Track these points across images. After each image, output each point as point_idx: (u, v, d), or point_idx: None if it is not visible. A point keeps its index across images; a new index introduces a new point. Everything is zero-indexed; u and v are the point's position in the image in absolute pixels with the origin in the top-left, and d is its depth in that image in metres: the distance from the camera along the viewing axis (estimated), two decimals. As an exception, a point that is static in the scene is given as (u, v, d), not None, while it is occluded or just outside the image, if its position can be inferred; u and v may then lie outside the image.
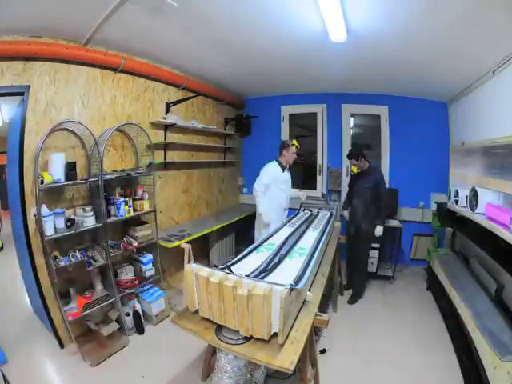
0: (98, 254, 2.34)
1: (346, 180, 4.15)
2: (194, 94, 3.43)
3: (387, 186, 3.93)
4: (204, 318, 1.43)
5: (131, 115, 2.75)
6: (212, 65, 3.06)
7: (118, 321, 2.38)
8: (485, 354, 1.69)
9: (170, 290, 3.01)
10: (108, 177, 2.33)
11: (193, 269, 1.41)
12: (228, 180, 4.49)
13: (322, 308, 2.72)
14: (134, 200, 2.58)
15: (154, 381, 1.99)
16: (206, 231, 3.18)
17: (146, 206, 2.65)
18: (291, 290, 1.26)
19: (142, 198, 2.64)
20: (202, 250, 3.72)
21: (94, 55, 2.32)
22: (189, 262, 2.57)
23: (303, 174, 4.62)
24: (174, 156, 3.30)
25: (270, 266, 1.68)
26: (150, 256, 2.69)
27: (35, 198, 1.96)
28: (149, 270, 2.67)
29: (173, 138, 3.25)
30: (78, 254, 2.16)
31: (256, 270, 1.64)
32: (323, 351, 2.26)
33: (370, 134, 4.23)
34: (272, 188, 3.03)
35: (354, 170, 3.03)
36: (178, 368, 2.10)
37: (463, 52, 2.24)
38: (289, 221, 2.87)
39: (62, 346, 2.24)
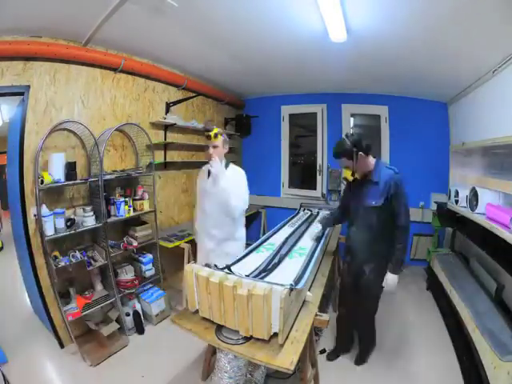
0: (97, 254, 2.34)
1: (346, 180, 4.16)
2: (194, 94, 3.43)
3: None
4: (204, 318, 1.43)
5: (131, 115, 2.75)
6: (212, 65, 3.06)
7: (118, 321, 2.38)
8: (485, 354, 1.69)
9: (170, 290, 3.01)
10: (108, 177, 2.33)
11: (193, 269, 1.41)
12: (228, 180, 4.48)
13: (322, 308, 2.72)
14: (134, 200, 2.58)
15: (154, 381, 1.99)
16: (205, 231, 3.17)
17: (146, 206, 2.66)
18: (291, 289, 1.26)
19: (142, 198, 2.64)
20: (202, 249, 3.72)
21: (94, 55, 2.33)
22: (189, 261, 2.57)
23: (303, 174, 4.63)
24: (173, 156, 3.30)
25: (269, 266, 1.68)
26: (149, 256, 2.69)
27: (35, 198, 1.96)
28: (149, 270, 2.67)
29: (173, 137, 3.25)
30: (77, 254, 2.16)
31: (256, 270, 1.64)
32: (323, 351, 2.26)
33: (369, 133, 4.23)
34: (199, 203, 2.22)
35: (348, 175, 1.85)
36: (178, 368, 2.10)
37: (463, 52, 2.24)
38: (289, 221, 2.87)
39: (62, 346, 2.24)
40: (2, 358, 2.06)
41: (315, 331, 2.26)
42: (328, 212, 3.30)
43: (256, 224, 4.72)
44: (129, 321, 2.47)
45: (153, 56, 2.78)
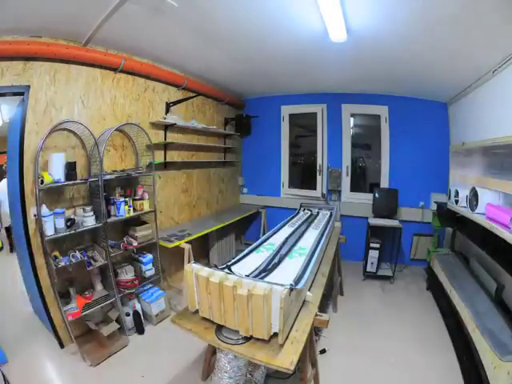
0: (97, 254, 2.34)
1: (346, 180, 4.16)
2: (194, 94, 3.43)
3: (387, 185, 3.94)
4: (204, 318, 1.43)
5: (131, 115, 2.75)
6: (212, 64, 3.06)
7: (118, 321, 2.38)
8: (485, 354, 1.69)
9: (170, 289, 3.01)
10: (108, 177, 2.33)
11: (193, 269, 1.41)
12: (228, 180, 4.49)
13: (322, 308, 2.72)
14: (134, 200, 2.58)
15: (154, 381, 1.99)
16: (205, 231, 3.18)
17: (146, 206, 2.66)
18: (291, 289, 1.26)
19: (142, 198, 2.64)
20: (202, 249, 3.73)
21: (94, 55, 2.32)
22: (189, 261, 2.57)
23: (303, 174, 4.63)
24: (173, 156, 3.30)
25: (270, 266, 1.69)
26: (149, 256, 2.69)
27: (35, 198, 1.96)
28: (149, 270, 2.67)
29: (173, 137, 3.25)
30: (77, 254, 2.16)
31: (256, 270, 1.64)
32: (323, 351, 2.26)
33: (369, 133, 4.23)
34: None
35: None
36: (178, 368, 2.10)
37: (463, 52, 2.24)
38: (289, 221, 2.87)
39: (62, 346, 2.24)
40: (2, 357, 2.06)
41: (315, 331, 2.26)
42: (328, 212, 3.32)
43: (256, 224, 4.73)
44: (129, 321, 2.47)
45: (153, 56, 2.78)
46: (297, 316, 1.44)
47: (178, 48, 2.61)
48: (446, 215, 3.13)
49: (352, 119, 4.16)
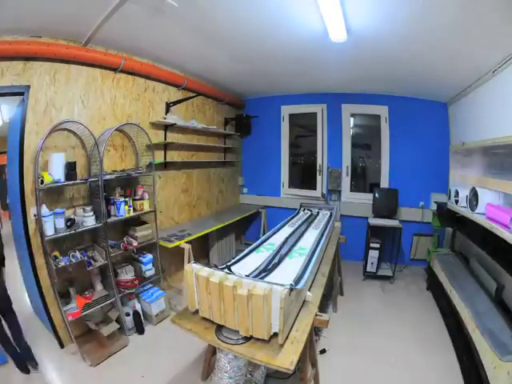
0: (97, 254, 2.34)
1: (346, 180, 4.16)
2: (194, 94, 3.43)
3: (387, 185, 3.94)
4: (204, 318, 1.43)
5: (131, 115, 2.75)
6: (212, 64, 3.06)
7: (118, 321, 2.38)
8: (485, 354, 1.69)
9: (170, 290, 3.01)
10: (108, 177, 2.33)
11: (193, 269, 1.41)
12: (228, 180, 4.49)
13: (322, 308, 2.72)
14: (134, 200, 2.58)
15: (154, 381, 1.99)
16: (205, 231, 3.18)
17: (146, 206, 2.66)
18: (291, 289, 1.26)
19: (142, 198, 2.64)
20: (202, 249, 3.73)
21: (94, 55, 2.32)
22: (189, 261, 2.57)
23: (303, 174, 4.63)
24: (173, 156, 3.30)
25: (270, 266, 1.69)
26: (149, 256, 2.69)
27: (35, 198, 1.96)
28: (149, 270, 2.67)
29: (173, 137, 3.25)
30: (77, 254, 2.16)
31: (256, 269, 1.64)
32: (323, 351, 2.26)
33: (369, 133, 4.23)
34: None
35: None
36: (178, 368, 2.10)
37: (463, 52, 2.24)
38: (289, 221, 2.87)
39: (62, 346, 2.24)
40: (2, 357, 2.06)
41: (315, 331, 2.26)
42: (328, 212, 3.32)
43: (256, 224, 4.73)
44: (129, 321, 2.47)
45: (153, 56, 2.78)
46: (297, 316, 1.44)
47: (178, 48, 2.61)
48: (445, 215, 3.13)
49: (352, 119, 4.16)
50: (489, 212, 2.16)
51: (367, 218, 3.76)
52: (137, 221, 2.69)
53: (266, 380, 1.85)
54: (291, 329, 1.34)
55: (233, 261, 1.75)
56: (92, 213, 2.22)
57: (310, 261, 1.80)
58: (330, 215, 3.20)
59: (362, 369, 2.11)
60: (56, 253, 2.09)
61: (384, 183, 4.00)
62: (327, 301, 2.92)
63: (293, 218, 3.03)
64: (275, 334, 1.26)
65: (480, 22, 1.78)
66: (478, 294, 2.28)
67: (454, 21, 1.81)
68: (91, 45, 2.32)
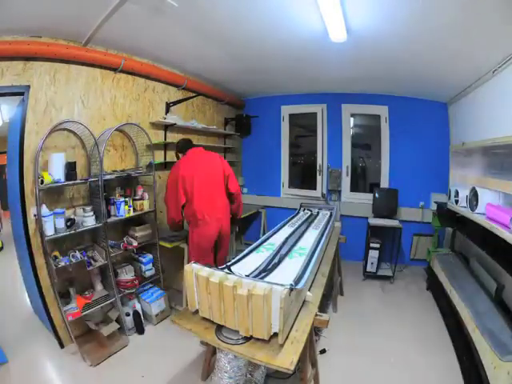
0: (97, 254, 2.34)
1: (346, 180, 4.16)
2: (194, 94, 3.43)
3: (387, 185, 3.94)
4: (204, 318, 1.43)
5: (131, 115, 2.75)
6: (212, 64, 3.06)
7: (118, 321, 2.38)
8: (485, 354, 1.69)
9: (170, 290, 3.00)
10: (108, 177, 2.33)
11: (193, 269, 1.41)
12: (228, 180, 4.48)
13: (322, 308, 2.72)
14: (133, 200, 2.58)
15: (153, 381, 1.99)
16: (205, 231, 3.17)
17: (146, 206, 2.66)
18: (291, 289, 1.26)
19: (141, 198, 2.64)
20: (202, 249, 3.72)
21: (94, 55, 2.32)
22: (189, 262, 2.57)
23: (303, 174, 4.63)
24: (174, 156, 3.29)
25: (269, 266, 1.68)
26: (149, 256, 2.69)
27: (35, 198, 1.96)
28: (149, 270, 2.67)
29: (173, 137, 3.25)
30: (77, 254, 2.16)
31: (256, 269, 1.64)
32: (323, 351, 2.26)
33: (369, 133, 4.23)
34: None
35: None
36: (178, 368, 2.10)
37: (463, 52, 2.24)
38: (289, 221, 2.87)
39: (62, 346, 2.24)
40: (2, 357, 2.06)
41: (315, 331, 2.26)
42: (328, 212, 3.31)
43: (256, 224, 4.72)
44: (129, 321, 2.47)
45: (153, 56, 2.78)
46: (297, 316, 1.44)
47: (178, 48, 2.61)
48: (445, 215, 3.13)
49: (352, 119, 4.15)
50: (489, 212, 2.16)
51: (367, 217, 3.76)
52: (137, 221, 2.69)
53: (266, 380, 1.85)
54: (291, 329, 1.34)
55: (233, 261, 1.75)
56: (92, 213, 2.22)
57: (310, 261, 1.80)
58: (330, 215, 3.20)
59: (362, 369, 2.11)
60: (56, 253, 2.09)
61: (384, 183, 4.00)
62: (327, 301, 2.92)
63: (293, 217, 3.03)
64: (275, 334, 1.26)
65: (480, 22, 1.78)
66: (477, 294, 2.28)
67: (454, 21, 1.81)
68: (91, 45, 2.32)
